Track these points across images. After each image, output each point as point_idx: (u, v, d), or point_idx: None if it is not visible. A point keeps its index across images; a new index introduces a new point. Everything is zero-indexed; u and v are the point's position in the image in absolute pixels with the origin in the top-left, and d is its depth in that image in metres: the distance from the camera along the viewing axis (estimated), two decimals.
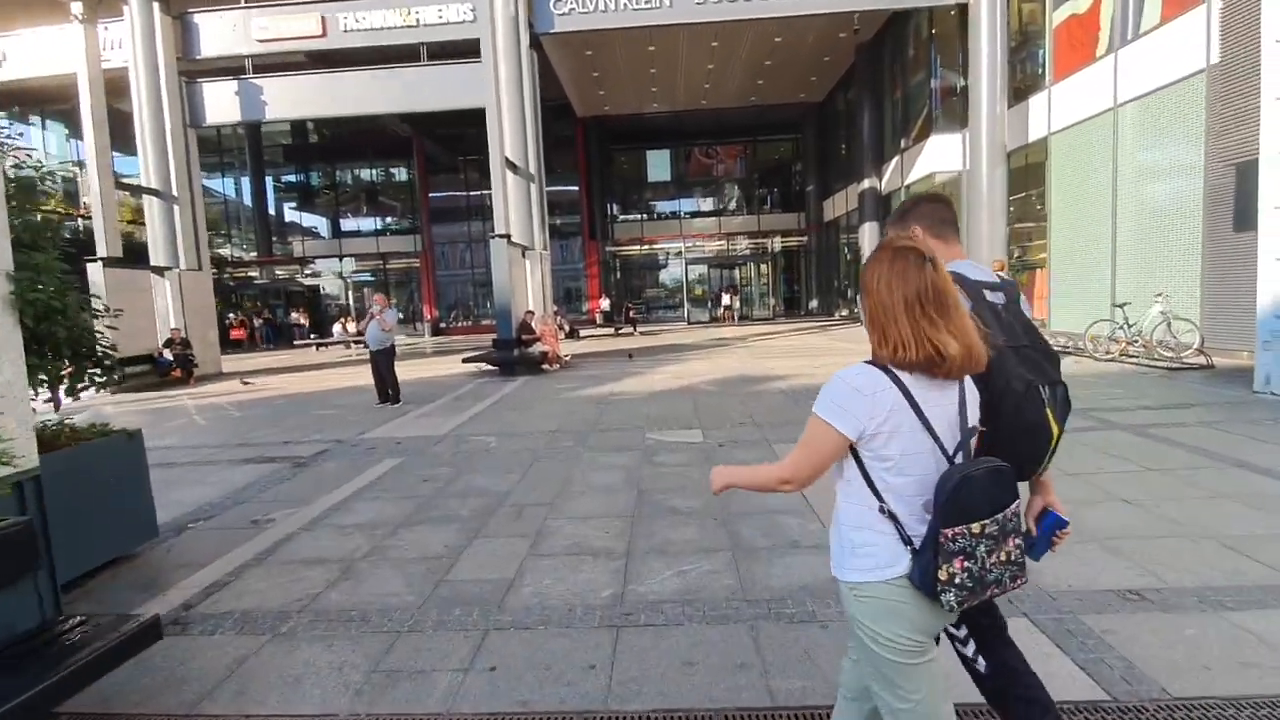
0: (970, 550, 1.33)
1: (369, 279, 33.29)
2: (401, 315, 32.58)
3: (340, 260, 33.02)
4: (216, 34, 15.02)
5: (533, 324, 14.06)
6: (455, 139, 29.26)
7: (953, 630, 1.74)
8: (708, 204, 34.11)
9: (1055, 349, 1.91)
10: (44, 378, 3.66)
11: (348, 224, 33.58)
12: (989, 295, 1.68)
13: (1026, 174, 15.65)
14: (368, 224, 33.71)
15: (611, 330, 25.75)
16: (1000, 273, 1.93)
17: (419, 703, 2.47)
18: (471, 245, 31.52)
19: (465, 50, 14.61)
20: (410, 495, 5.20)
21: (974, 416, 1.46)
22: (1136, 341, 10.62)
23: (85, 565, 3.72)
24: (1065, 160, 13.41)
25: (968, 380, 1.45)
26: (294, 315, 30.54)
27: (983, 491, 1.34)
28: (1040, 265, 15.67)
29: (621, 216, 33.67)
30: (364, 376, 10.38)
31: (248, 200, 32.85)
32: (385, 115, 23.12)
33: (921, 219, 1.82)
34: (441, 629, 3.01)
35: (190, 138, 15.51)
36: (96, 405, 12.12)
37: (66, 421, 3.98)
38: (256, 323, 30.78)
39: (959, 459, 1.40)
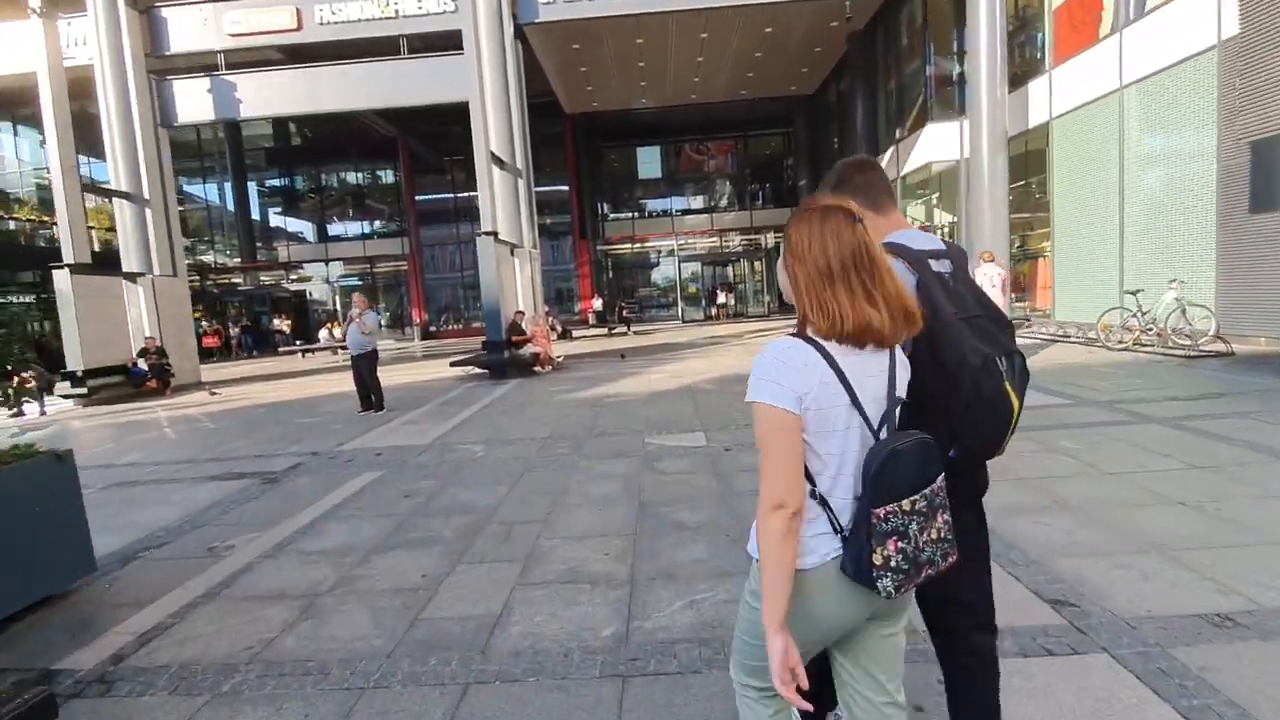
0: (903, 529, 1.25)
1: (356, 283, 32.66)
2: (384, 319, 31.98)
3: (326, 265, 32.39)
4: (186, 28, 14.44)
5: (523, 324, 13.56)
6: (440, 138, 28.68)
7: None
8: (699, 201, 33.66)
9: (1008, 317, 1.75)
10: None
11: (334, 228, 32.95)
12: (935, 265, 1.58)
13: (1027, 161, 15.28)
14: (354, 228, 33.08)
15: (605, 330, 25.25)
16: (950, 240, 1.82)
17: None
18: (460, 247, 30.94)
19: (447, 43, 14.09)
20: (388, 513, 4.71)
21: (903, 387, 1.37)
22: (1150, 329, 10.24)
23: (3, 609, 3.21)
24: (1068, 145, 13.03)
25: (898, 349, 1.37)
26: (275, 322, 29.69)
27: (911, 466, 1.28)
28: (1042, 254, 15.31)
29: (612, 215, 33.18)
30: (349, 383, 9.86)
31: (231, 205, 32.15)
32: (366, 112, 22.52)
33: (856, 192, 1.66)
34: (413, 683, 2.53)
35: (162, 138, 14.91)
36: (65, 419, 11.55)
37: None
38: (233, 330, 29.69)
39: (884, 433, 1.31)
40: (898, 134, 19.75)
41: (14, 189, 31.31)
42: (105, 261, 15.36)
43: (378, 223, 32.93)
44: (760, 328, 22.26)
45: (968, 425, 1.50)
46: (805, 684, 1.21)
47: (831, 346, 1.26)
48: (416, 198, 30.89)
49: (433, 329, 30.87)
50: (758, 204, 32.73)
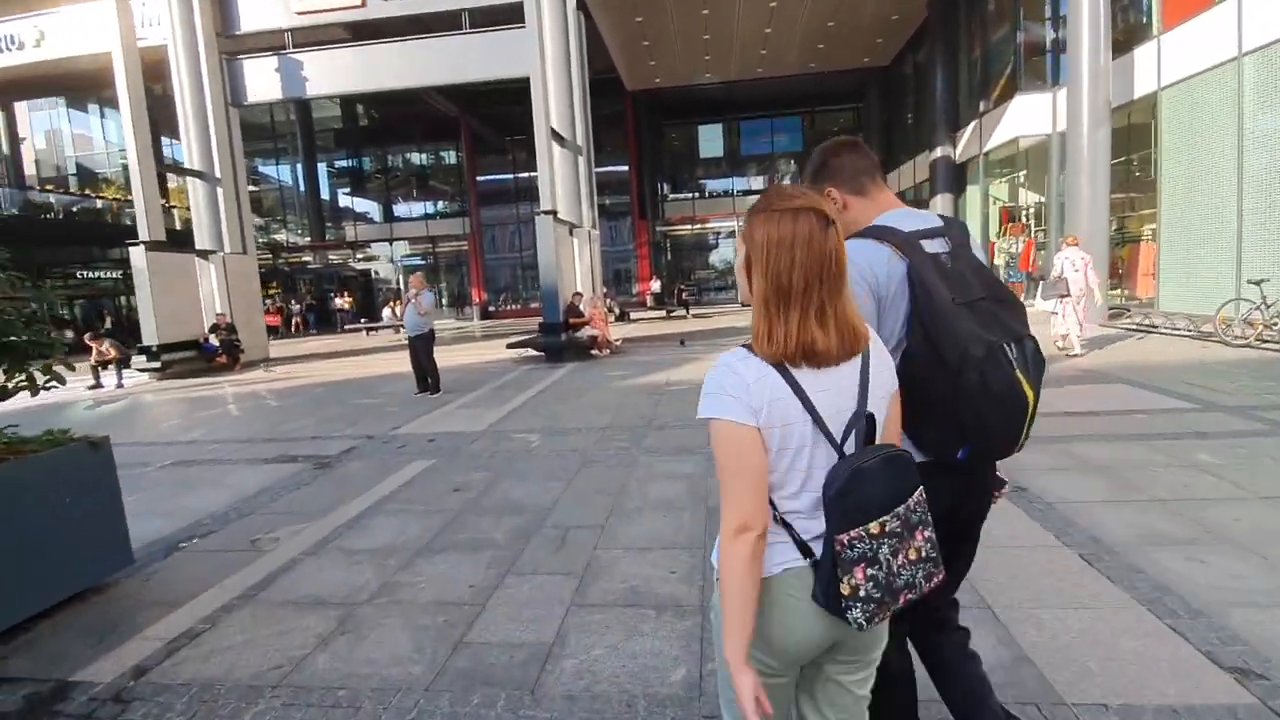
0: (872, 554, 1.13)
1: (419, 263, 33.16)
2: (444, 298, 32.36)
3: (391, 244, 32.98)
4: (256, 6, 14.52)
5: (581, 306, 13.24)
6: (502, 118, 28.63)
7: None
8: (762, 180, 32.65)
9: (1018, 298, 1.52)
10: None
11: (399, 208, 33.49)
12: (928, 245, 1.45)
13: (1129, 135, 13.92)
14: (417, 208, 33.53)
15: (663, 313, 24.78)
16: (947, 217, 1.56)
17: None
18: (520, 227, 30.95)
19: (509, 18, 13.73)
20: (437, 509, 4.42)
21: (879, 395, 1.22)
22: (1277, 324, 9.10)
23: (30, 608, 3.04)
24: (1178, 118, 11.71)
25: (875, 348, 1.24)
26: (337, 300, 30.28)
27: (878, 484, 1.15)
28: (1145, 239, 13.99)
29: (672, 195, 32.55)
30: (408, 363, 9.73)
31: (302, 186, 33.03)
32: (428, 91, 22.55)
33: (835, 177, 1.59)
34: None
35: (233, 117, 15.14)
36: (139, 392, 11.90)
37: (7, 429, 3.28)
38: (294, 308, 30.16)
39: (851, 448, 1.18)
40: (981, 107, 18.40)
41: (102, 169, 33.00)
42: (186, 240, 15.75)
43: (440, 203, 33.25)
44: None
45: (976, 423, 1.35)
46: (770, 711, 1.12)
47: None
48: (478, 178, 31.01)
49: (491, 309, 31.06)
50: None
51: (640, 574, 3.26)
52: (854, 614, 1.12)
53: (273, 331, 27.19)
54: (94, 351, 12.82)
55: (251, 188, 34.28)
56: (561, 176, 13.51)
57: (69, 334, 22.40)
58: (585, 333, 12.87)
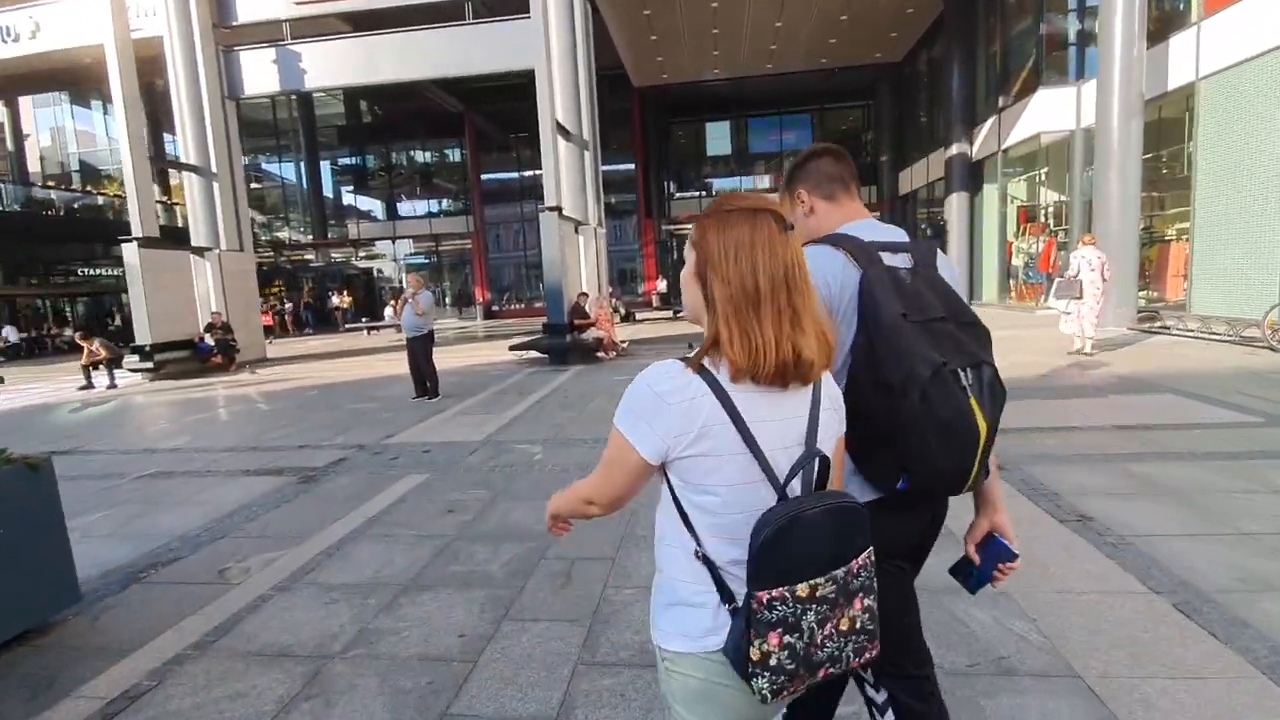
0: (793, 620, 0.98)
1: (423, 261, 32.81)
2: (449, 298, 31.95)
3: (394, 243, 32.63)
4: None
5: (586, 306, 12.78)
6: (507, 115, 28.23)
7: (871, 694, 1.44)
8: (770, 179, 32.18)
9: (983, 322, 1.36)
10: None
11: (402, 206, 33.17)
12: (889, 258, 1.34)
13: (1159, 130, 13.41)
14: (421, 206, 33.17)
15: (669, 313, 24.32)
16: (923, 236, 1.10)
17: None
18: (524, 226, 30.57)
19: (513, 8, 13.29)
20: (428, 534, 3.97)
21: (830, 433, 1.10)
22: None
23: None
24: (1218, 110, 11.18)
25: (826, 381, 1.12)
26: (334, 299, 29.67)
27: (817, 538, 0.99)
28: (1175, 237, 13.47)
29: (679, 194, 32.10)
30: (406, 364, 9.31)
31: (305, 184, 32.71)
32: (432, 86, 22.15)
33: (805, 180, 1.52)
34: None
35: (230, 111, 14.74)
36: (129, 394, 11.51)
37: None
38: (286, 306, 29.16)
39: (794, 491, 1.03)
40: (1000, 102, 17.87)
41: (105, 166, 32.73)
42: (188, 238, 15.33)
43: (444, 201, 32.89)
44: None
45: (919, 452, 1.22)
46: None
47: (727, 381, 1.02)
48: (482, 176, 30.65)
49: (495, 308, 30.67)
50: None
51: None
52: (759, 683, 0.99)
53: (268, 331, 26.63)
54: (85, 351, 12.44)
55: (255, 185, 34.15)
56: (567, 172, 13.06)
57: (67, 332, 22.07)
58: (590, 334, 12.42)
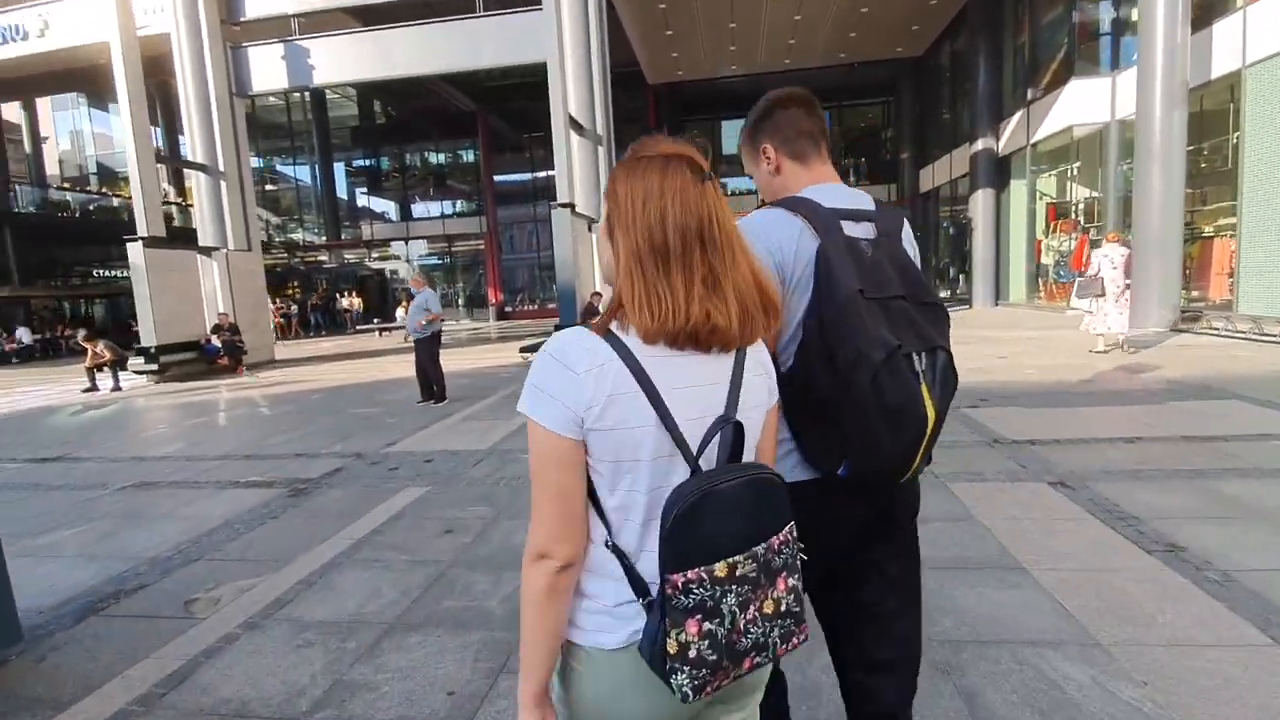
0: (712, 605, 0.89)
1: (436, 262, 32.60)
2: (462, 299, 31.69)
3: (407, 244, 32.44)
4: None
5: (599, 307, 12.36)
6: (520, 114, 27.97)
7: None
8: None
9: (942, 303, 1.28)
10: None
11: (416, 207, 33.02)
12: (849, 227, 1.25)
13: (1199, 122, 12.74)
14: (434, 207, 32.98)
15: None
16: (898, 206, 1.26)
17: None
18: (537, 226, 30.23)
19: (526, 1, 12.92)
20: (422, 558, 3.55)
21: (752, 404, 1.00)
22: None
23: None
24: (1265, 99, 10.55)
25: (755, 349, 1.02)
26: (343, 300, 29.23)
27: (734, 513, 0.91)
28: (1218, 234, 12.79)
29: None
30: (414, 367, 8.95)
31: (319, 185, 32.69)
32: (443, 83, 21.85)
33: (774, 133, 1.39)
34: None
35: (237, 108, 14.49)
36: (133, 396, 11.24)
37: None
38: (293, 309, 27.83)
39: (710, 464, 0.95)
40: (1029, 95, 17.23)
41: (121, 168, 32.85)
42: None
43: (457, 202, 32.67)
44: None
45: (862, 437, 1.15)
46: None
47: (638, 346, 0.91)
48: (495, 177, 30.39)
49: (508, 309, 30.38)
50: (851, 180, 30.38)
51: None
52: (679, 679, 0.87)
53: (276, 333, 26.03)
54: (89, 353, 12.21)
55: (270, 187, 34.18)
56: (580, 167, 12.65)
57: (82, 333, 21.99)
58: None
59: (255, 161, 32.55)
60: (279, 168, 34.37)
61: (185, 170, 21.65)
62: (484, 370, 11.59)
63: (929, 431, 1.17)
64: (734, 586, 0.90)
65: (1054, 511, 3.69)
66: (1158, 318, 11.06)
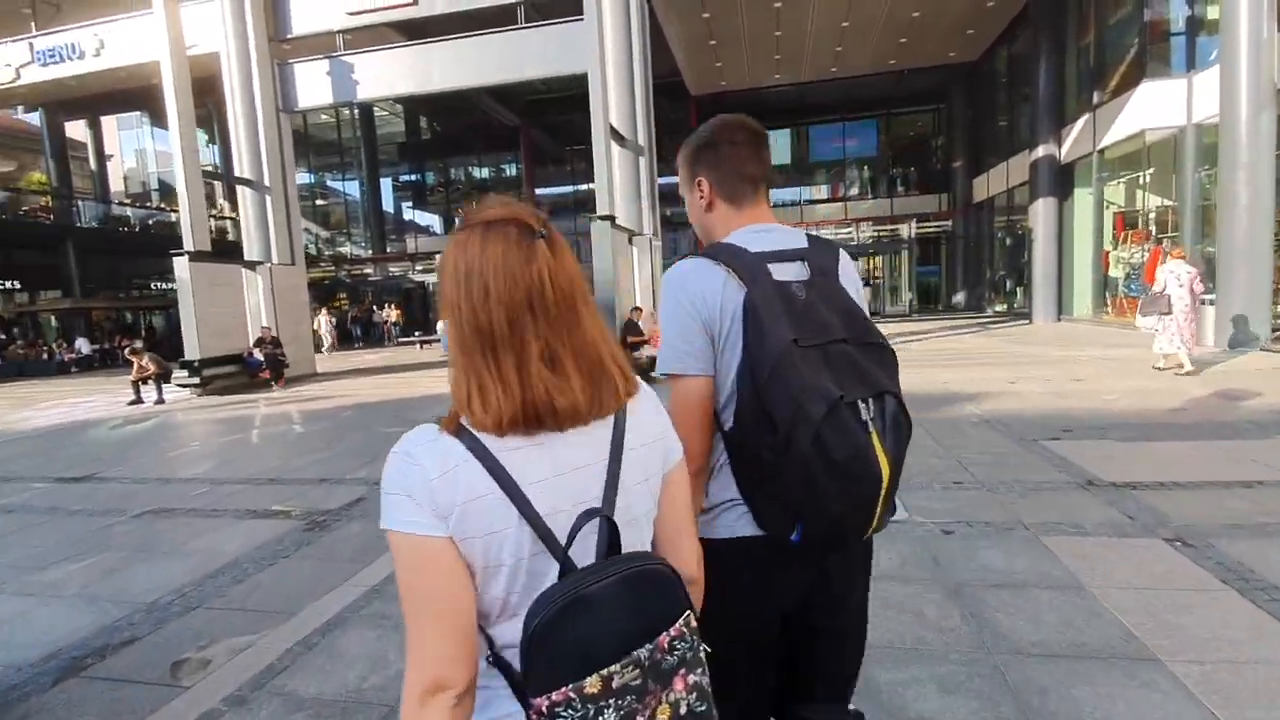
0: None
1: None
2: None
3: None
4: (308, 8, 13.99)
5: (640, 323, 11.97)
6: (562, 127, 28.01)
7: None
8: (827, 190, 30.96)
9: (888, 342, 1.20)
10: None
11: (459, 220, 33.31)
12: (778, 270, 1.18)
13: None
14: None
15: None
16: (831, 237, 0.99)
17: None
18: (578, 240, 30.11)
19: (567, 10, 12.73)
20: None
21: (639, 479, 0.90)
22: None
23: None
24: None
25: (641, 403, 0.93)
26: (381, 313, 29.34)
27: (609, 617, 0.79)
28: None
29: None
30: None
31: (366, 199, 33.40)
32: (485, 91, 21.87)
33: (713, 169, 1.30)
34: None
35: (284, 124, 14.65)
36: (172, 411, 11.28)
37: None
38: (325, 321, 25.65)
39: (592, 558, 0.85)
40: (1095, 99, 16.29)
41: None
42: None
43: None
44: (907, 330, 19.36)
45: (810, 499, 1.06)
46: None
47: (491, 439, 0.81)
48: (536, 190, 30.53)
49: None
50: (900, 191, 29.56)
51: None
52: None
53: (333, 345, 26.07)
54: (135, 366, 12.35)
55: (320, 202, 34.98)
56: (621, 179, 12.34)
57: (134, 344, 22.58)
58: (644, 353, 11.58)
59: (306, 177, 33.45)
60: (329, 183, 35.17)
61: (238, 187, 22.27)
62: None
63: (885, 483, 1.08)
64: (612, 700, 0.77)
65: (1178, 579, 3.09)
66: (1246, 338, 10.12)
